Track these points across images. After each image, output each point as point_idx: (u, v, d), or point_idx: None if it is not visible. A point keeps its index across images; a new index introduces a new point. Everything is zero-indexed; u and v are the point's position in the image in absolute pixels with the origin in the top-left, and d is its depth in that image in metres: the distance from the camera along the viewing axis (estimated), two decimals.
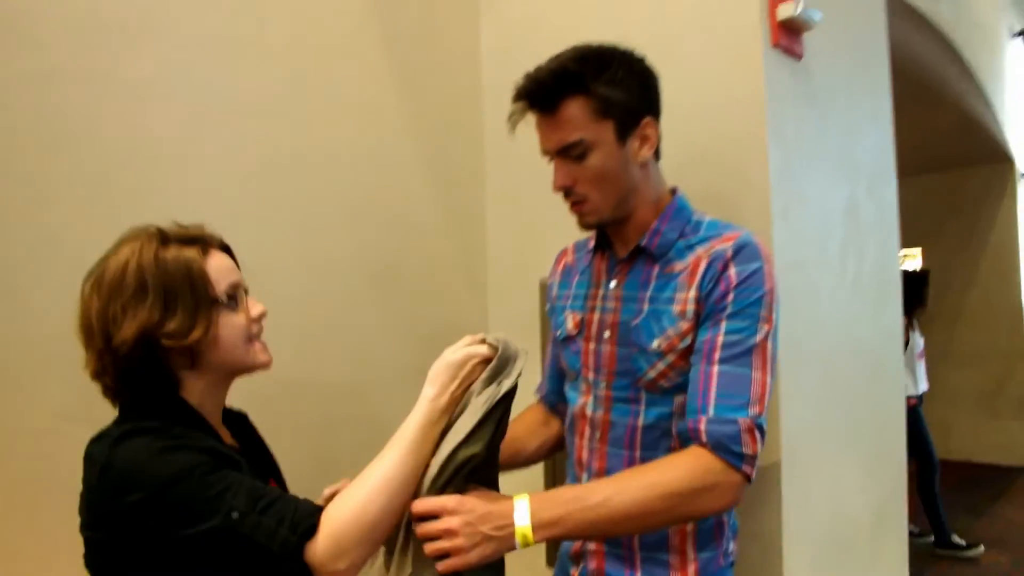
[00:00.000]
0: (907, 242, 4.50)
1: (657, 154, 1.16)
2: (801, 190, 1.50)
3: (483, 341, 1.01)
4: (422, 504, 0.93)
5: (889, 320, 1.92)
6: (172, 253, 0.91)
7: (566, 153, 1.09)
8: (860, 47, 1.84)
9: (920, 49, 3.49)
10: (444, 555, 0.92)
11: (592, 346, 1.16)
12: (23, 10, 1.24)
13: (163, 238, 0.93)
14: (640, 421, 1.10)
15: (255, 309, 1.00)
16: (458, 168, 1.95)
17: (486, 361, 0.99)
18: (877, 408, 1.84)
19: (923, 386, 3.82)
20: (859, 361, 1.74)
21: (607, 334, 1.14)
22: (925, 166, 5.61)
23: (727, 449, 0.98)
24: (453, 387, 0.97)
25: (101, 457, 0.84)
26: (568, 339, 1.21)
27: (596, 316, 1.17)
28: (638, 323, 1.10)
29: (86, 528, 0.87)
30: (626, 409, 1.12)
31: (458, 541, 0.91)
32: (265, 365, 1.02)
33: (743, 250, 1.06)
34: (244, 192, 1.51)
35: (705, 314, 1.05)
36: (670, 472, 0.98)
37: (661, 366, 1.08)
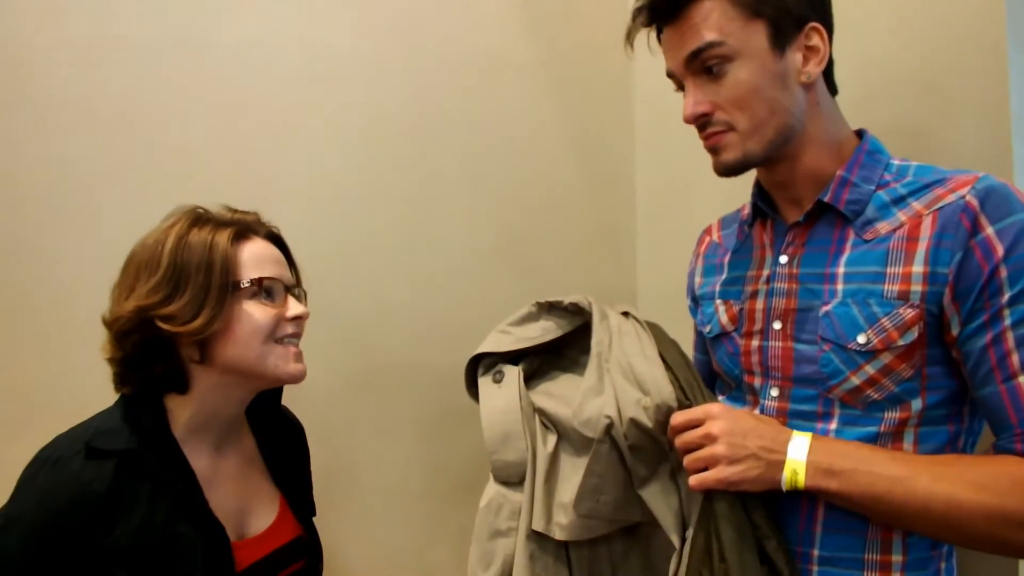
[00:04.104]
0: None
1: (832, 86, 0.88)
2: None
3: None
4: (682, 415, 0.84)
5: None
6: (200, 235, 0.82)
7: (700, 66, 0.83)
8: None
9: None
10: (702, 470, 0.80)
11: (756, 343, 0.91)
12: None
13: (198, 218, 0.85)
14: None
15: (293, 309, 0.87)
16: (603, 129, 1.73)
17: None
18: None
19: None
20: None
21: (777, 325, 0.88)
22: None
23: None
24: None
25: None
26: (721, 336, 0.96)
27: (760, 303, 0.91)
28: (830, 309, 0.82)
29: None
30: (810, 427, 0.84)
31: (718, 449, 0.76)
32: (292, 378, 0.87)
33: (992, 197, 0.74)
34: (350, 163, 1.43)
35: (968, 308, 0.75)
36: (1004, 486, 0.71)
37: (870, 370, 0.79)
